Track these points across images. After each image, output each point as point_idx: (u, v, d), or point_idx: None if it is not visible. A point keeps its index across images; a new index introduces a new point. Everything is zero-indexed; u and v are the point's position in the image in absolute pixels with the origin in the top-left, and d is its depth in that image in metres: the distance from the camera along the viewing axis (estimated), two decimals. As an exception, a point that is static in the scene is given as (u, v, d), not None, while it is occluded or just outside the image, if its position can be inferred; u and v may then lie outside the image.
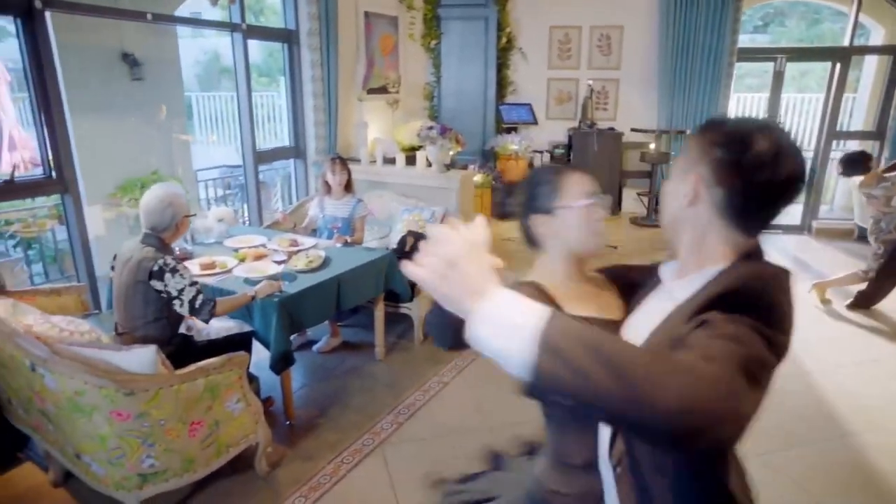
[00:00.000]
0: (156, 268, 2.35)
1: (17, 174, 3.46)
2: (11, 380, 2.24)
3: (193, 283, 2.45)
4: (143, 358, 2.07)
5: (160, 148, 6.16)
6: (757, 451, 2.77)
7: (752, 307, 0.84)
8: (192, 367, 2.17)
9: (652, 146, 6.13)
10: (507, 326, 0.72)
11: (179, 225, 2.49)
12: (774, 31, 12.77)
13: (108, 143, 5.49)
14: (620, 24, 6.41)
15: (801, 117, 8.40)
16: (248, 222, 4.83)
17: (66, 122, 3.20)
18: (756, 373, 0.76)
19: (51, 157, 3.25)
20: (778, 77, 6.13)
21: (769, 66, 6.20)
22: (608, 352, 0.69)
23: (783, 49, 6.32)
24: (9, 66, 4.75)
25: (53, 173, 3.27)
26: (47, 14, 3.01)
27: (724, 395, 0.70)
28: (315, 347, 3.73)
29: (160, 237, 2.46)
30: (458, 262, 0.75)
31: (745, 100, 8.50)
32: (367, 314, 4.00)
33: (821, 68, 10.33)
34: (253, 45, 4.34)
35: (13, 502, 2.42)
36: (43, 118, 3.15)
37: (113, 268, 2.64)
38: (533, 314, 0.72)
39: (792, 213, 6.95)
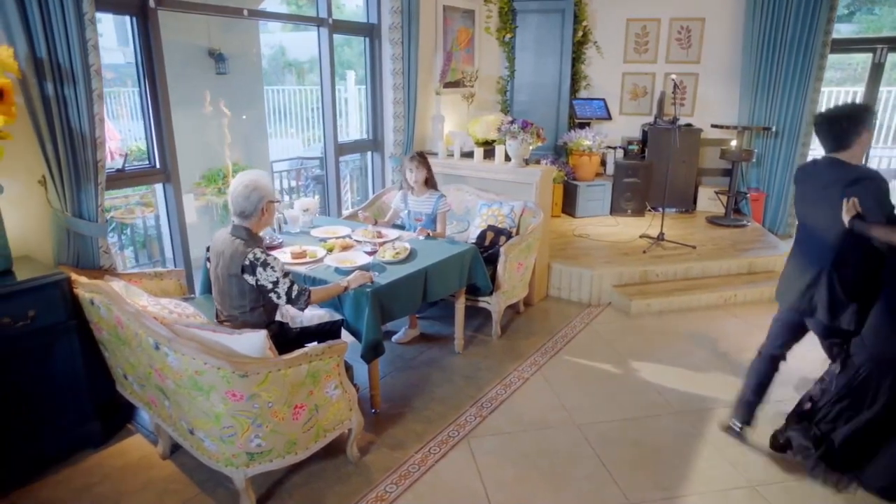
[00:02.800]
0: (247, 262, 2.38)
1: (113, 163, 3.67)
2: (131, 356, 2.38)
3: (286, 274, 2.47)
4: (255, 342, 2.17)
5: (240, 140, 6.41)
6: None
7: None
8: (297, 352, 2.26)
9: (733, 143, 5.88)
10: None
11: (265, 210, 2.47)
12: (861, 19, 11.99)
13: (195, 134, 5.76)
14: (702, 16, 6.17)
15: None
16: (317, 213, 4.93)
17: (171, 116, 3.37)
18: None
19: (156, 148, 3.43)
20: (877, 69, 5.74)
21: (858, 57, 5.80)
22: None
23: (885, 38, 5.89)
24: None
25: (157, 164, 3.45)
26: (159, 13, 3.17)
27: None
28: (394, 338, 3.79)
29: (248, 228, 2.46)
30: None
31: (831, 94, 8.02)
32: (442, 306, 4.04)
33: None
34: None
35: (127, 470, 2.59)
36: (151, 112, 3.33)
37: (209, 259, 2.73)
38: None
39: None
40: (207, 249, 3.11)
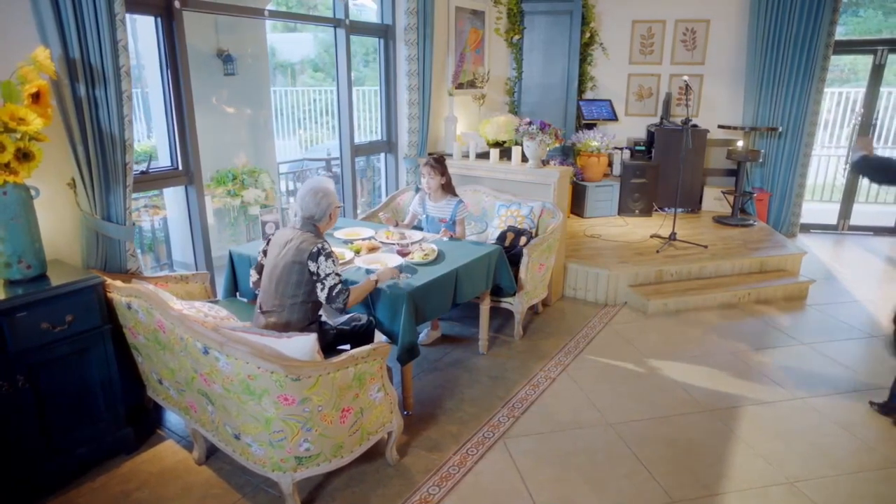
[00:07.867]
0: (314, 249, 2.49)
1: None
2: (171, 360, 2.35)
3: (337, 273, 2.55)
4: (304, 345, 2.15)
5: (248, 141, 6.34)
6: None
7: None
8: (345, 355, 2.24)
9: (740, 143, 5.95)
10: None
11: (332, 215, 2.64)
12: (847, 21, 12.20)
13: (203, 135, 5.68)
14: (707, 18, 6.24)
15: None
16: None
17: (194, 117, 3.33)
18: None
19: (178, 150, 3.39)
20: (877, 70, 5.85)
21: (846, 59, 5.90)
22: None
23: (885, 40, 5.99)
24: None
25: (180, 165, 3.42)
26: (184, 14, 3.14)
27: None
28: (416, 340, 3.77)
29: (316, 225, 2.61)
30: None
31: (833, 95, 8.14)
32: (462, 307, 4.02)
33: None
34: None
35: (164, 475, 2.55)
36: (174, 113, 3.30)
37: (265, 252, 2.73)
38: None
39: (885, 214, 6.65)
40: (267, 242, 2.98)
